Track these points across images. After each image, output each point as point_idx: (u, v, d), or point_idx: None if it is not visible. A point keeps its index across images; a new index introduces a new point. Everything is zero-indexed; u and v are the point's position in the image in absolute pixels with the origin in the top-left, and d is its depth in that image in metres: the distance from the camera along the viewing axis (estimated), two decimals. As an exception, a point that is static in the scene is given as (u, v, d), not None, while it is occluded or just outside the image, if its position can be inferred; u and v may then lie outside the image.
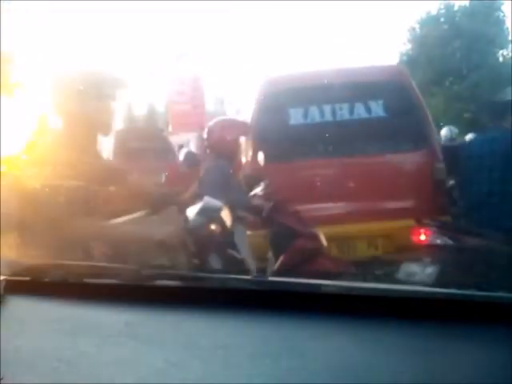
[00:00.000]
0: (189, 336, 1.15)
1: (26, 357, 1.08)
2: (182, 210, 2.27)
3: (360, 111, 4.53)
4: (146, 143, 10.27)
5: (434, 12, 23.34)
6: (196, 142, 11.77)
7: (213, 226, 2.28)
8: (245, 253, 3.17)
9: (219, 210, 2.28)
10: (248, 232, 4.52)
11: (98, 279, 1.43)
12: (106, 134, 2.39)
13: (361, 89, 4.52)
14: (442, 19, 23.12)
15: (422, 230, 3.42)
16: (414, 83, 4.75)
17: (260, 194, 3.20)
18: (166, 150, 10.42)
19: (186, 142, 11.89)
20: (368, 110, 4.52)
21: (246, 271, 2.59)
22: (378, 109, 4.51)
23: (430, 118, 4.69)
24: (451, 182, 4.73)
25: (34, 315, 1.29)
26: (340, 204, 4.40)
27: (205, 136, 3.77)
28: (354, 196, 4.39)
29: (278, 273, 2.55)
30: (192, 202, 2.27)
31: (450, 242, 3.19)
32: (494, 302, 1.13)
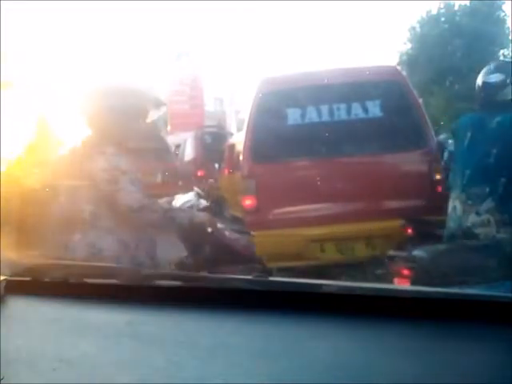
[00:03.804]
0: (189, 336, 1.15)
1: (26, 357, 1.08)
2: None
3: (357, 111, 4.53)
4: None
5: (434, 11, 23.33)
6: (193, 142, 11.76)
7: None
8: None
9: None
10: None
11: (98, 279, 1.43)
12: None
13: (358, 89, 4.52)
14: (443, 18, 23.11)
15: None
16: (410, 83, 4.77)
17: None
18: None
19: (184, 142, 11.88)
20: (365, 110, 4.52)
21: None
22: (375, 109, 4.51)
23: (427, 118, 4.70)
24: None
25: (34, 315, 1.29)
26: (337, 204, 4.40)
27: None
28: (351, 196, 4.39)
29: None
30: None
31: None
32: (494, 301, 1.13)
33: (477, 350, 1.02)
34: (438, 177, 4.46)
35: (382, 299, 1.17)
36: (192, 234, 2.44)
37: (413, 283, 2.39)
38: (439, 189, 4.48)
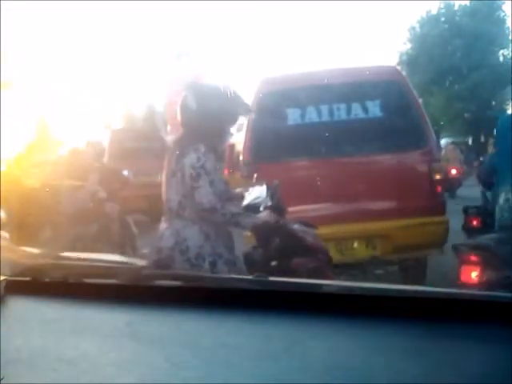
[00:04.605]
0: (189, 336, 1.15)
1: (26, 357, 1.08)
2: None
3: (357, 111, 4.53)
4: (142, 143, 10.21)
5: (434, 11, 23.38)
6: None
7: None
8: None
9: None
10: None
11: (98, 279, 1.43)
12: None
13: (358, 89, 4.53)
14: (443, 19, 23.15)
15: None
16: (410, 84, 4.78)
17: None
18: (162, 150, 10.35)
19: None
20: (365, 110, 4.53)
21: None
22: (375, 109, 4.52)
23: (427, 118, 4.70)
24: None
25: (34, 315, 1.29)
26: (337, 204, 4.39)
27: None
28: (351, 196, 4.39)
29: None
30: None
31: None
32: (494, 301, 1.13)
33: (477, 350, 1.02)
34: (437, 177, 4.47)
35: (382, 299, 1.17)
36: (256, 233, 2.74)
37: (482, 269, 2.53)
38: (439, 189, 4.49)
